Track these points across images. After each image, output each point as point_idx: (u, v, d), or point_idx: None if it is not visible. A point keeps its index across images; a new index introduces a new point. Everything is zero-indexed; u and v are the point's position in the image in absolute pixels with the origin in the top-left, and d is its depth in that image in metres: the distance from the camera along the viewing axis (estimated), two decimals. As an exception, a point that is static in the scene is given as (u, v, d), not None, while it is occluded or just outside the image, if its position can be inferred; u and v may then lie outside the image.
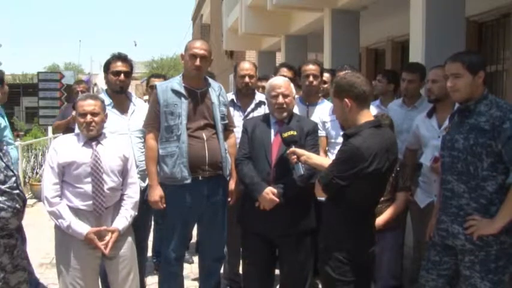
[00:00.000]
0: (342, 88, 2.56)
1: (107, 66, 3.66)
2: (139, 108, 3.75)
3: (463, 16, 4.56)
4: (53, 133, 6.20)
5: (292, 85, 3.33)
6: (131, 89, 4.27)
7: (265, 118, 3.34)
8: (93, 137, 3.05)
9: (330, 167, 2.54)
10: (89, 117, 3.00)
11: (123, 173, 3.14)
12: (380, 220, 3.22)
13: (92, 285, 3.06)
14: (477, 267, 2.49)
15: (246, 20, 9.45)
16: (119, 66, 3.61)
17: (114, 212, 3.10)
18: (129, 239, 3.14)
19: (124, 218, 3.10)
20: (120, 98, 3.67)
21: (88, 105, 3.03)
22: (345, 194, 2.51)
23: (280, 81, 3.28)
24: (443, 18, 4.39)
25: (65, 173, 2.99)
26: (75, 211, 2.99)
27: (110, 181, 3.02)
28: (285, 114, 3.22)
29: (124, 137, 3.45)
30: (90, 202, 2.97)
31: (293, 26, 8.93)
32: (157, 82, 4.62)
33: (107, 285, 3.26)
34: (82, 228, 2.95)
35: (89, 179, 2.96)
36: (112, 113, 3.49)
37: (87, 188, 2.96)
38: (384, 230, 3.21)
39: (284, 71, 4.36)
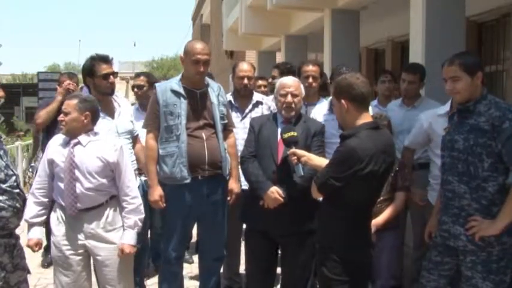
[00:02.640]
0: (340, 89, 2.55)
1: (90, 70, 3.49)
2: (124, 108, 3.69)
3: (463, 16, 4.55)
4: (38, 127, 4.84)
5: (301, 86, 3.34)
6: (129, 89, 4.26)
7: (273, 117, 3.34)
8: (69, 135, 3.01)
9: (326, 168, 2.54)
10: (61, 115, 3.04)
11: (108, 176, 3.02)
12: (380, 220, 3.23)
13: (83, 285, 3.07)
14: (479, 268, 2.49)
15: (246, 20, 9.45)
16: (106, 68, 3.49)
17: (96, 216, 3.00)
18: (117, 244, 3.04)
19: (128, 229, 3.04)
20: (107, 100, 3.56)
21: (64, 104, 3.08)
22: (340, 194, 2.50)
23: (290, 81, 3.29)
24: (443, 18, 4.38)
25: (53, 169, 3.01)
26: (62, 208, 3.00)
27: (87, 182, 2.94)
28: (292, 113, 3.22)
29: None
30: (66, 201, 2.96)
31: (293, 26, 8.93)
32: (138, 82, 4.69)
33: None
34: (33, 233, 3.01)
35: (63, 177, 2.95)
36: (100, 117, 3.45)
37: (63, 186, 2.95)
38: (383, 230, 3.21)
39: (276, 72, 4.39)
